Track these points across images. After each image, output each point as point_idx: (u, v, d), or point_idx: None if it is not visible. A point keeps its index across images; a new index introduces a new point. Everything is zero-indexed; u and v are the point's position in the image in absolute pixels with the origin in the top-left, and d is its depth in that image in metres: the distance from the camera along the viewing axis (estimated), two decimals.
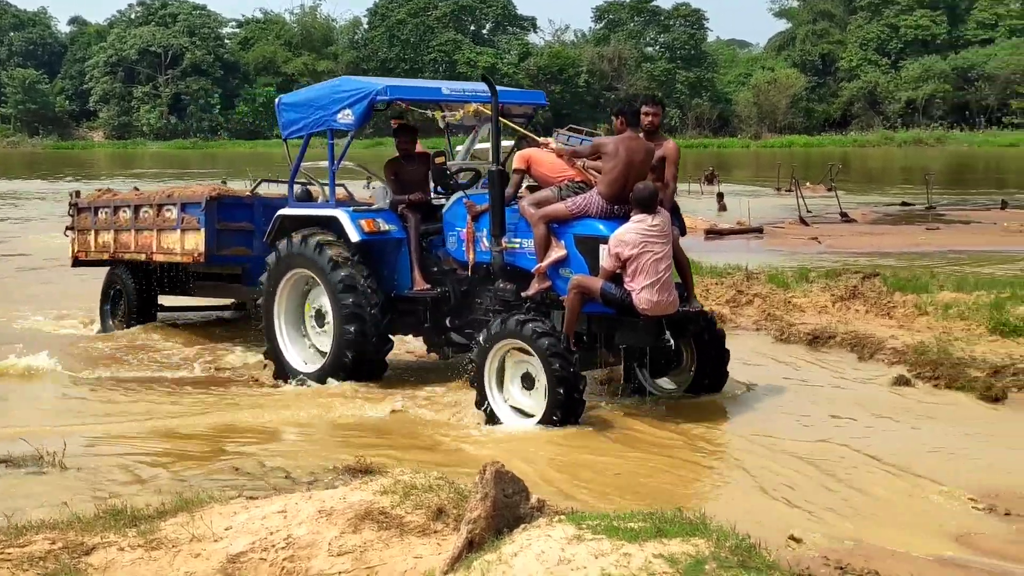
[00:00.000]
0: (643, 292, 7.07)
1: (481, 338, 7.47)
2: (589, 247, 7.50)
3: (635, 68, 74.19)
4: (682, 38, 75.08)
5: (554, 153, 8.08)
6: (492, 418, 7.47)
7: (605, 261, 7.26)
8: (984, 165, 45.79)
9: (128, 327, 11.47)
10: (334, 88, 8.96)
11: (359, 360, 8.45)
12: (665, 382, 8.25)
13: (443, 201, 8.83)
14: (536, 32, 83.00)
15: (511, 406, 7.49)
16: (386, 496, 4.57)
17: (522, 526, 4.08)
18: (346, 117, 8.45)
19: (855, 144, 63.14)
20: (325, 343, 8.77)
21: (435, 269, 8.62)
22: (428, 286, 8.42)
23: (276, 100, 9.52)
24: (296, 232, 8.67)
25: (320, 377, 8.66)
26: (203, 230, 9.95)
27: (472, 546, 3.97)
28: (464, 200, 8.24)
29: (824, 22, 73.60)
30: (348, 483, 5.03)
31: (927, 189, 25.86)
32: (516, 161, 8.27)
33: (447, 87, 9.22)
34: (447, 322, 8.57)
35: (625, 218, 7.38)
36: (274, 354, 9.06)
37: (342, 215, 8.47)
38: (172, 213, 10.40)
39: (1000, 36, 68.24)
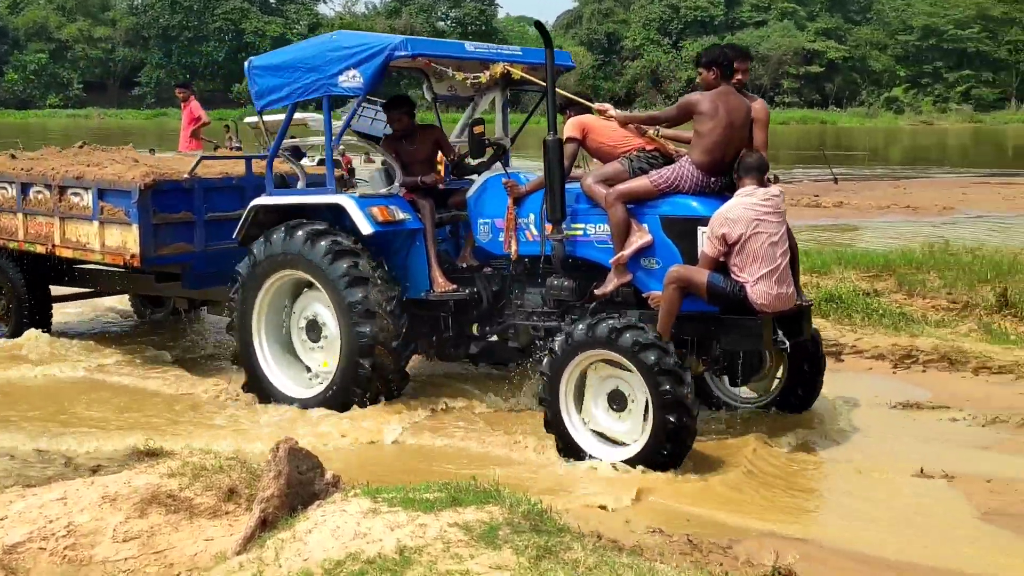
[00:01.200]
0: (759, 284, 5.75)
1: (556, 347, 5.94)
2: (682, 230, 6.07)
3: None
4: (473, 13, 74.66)
5: (614, 120, 6.55)
6: (569, 447, 5.92)
7: (707, 247, 5.84)
8: None
9: (15, 336, 9.07)
10: (330, 45, 7.10)
11: (378, 371, 6.75)
12: (744, 391, 6.93)
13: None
14: (326, 3, 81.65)
15: (592, 430, 5.97)
16: (174, 479, 4.37)
17: (317, 502, 4.02)
18: (352, 80, 6.78)
19: None
20: (320, 360, 7.17)
21: (463, 266, 7.22)
22: (454, 286, 6.91)
23: (246, 64, 7.52)
24: (277, 226, 7.06)
25: (326, 401, 6.91)
26: (136, 226, 7.76)
27: (265, 525, 3.90)
28: (503, 179, 6.77)
29: (609, 2, 74.77)
30: (133, 467, 4.73)
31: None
32: (570, 129, 6.54)
33: (470, 44, 7.49)
34: (473, 329, 7.19)
35: (721, 194, 6.13)
36: (257, 382, 7.26)
37: (348, 202, 6.85)
38: (84, 199, 8.15)
39: (772, 19, 71.69)
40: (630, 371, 5.66)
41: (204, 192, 8.19)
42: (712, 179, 6.08)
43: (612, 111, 6.61)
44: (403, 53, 6.67)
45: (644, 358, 5.51)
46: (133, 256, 7.78)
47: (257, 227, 7.24)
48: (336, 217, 6.95)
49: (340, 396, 6.83)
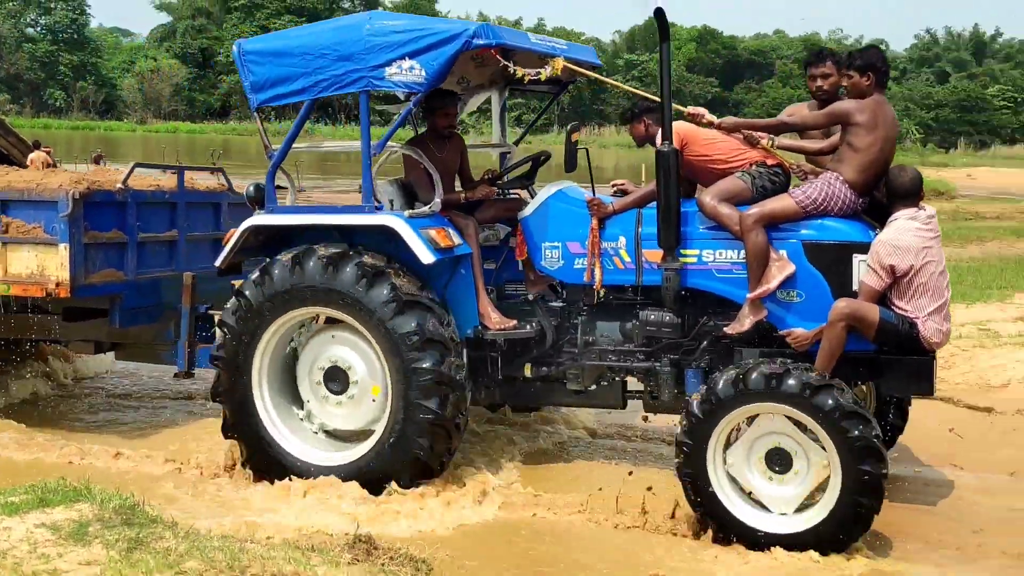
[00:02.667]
0: (930, 319, 5.08)
1: (700, 403, 5.02)
2: (832, 258, 5.27)
3: (16, 48, 68.92)
4: (64, 21, 71.58)
5: (715, 127, 5.68)
6: (723, 524, 5.03)
7: (871, 279, 5.07)
8: (344, 155, 52.52)
9: None
10: (370, 28, 5.60)
11: (433, 454, 5.55)
12: None
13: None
14: None
15: (736, 492, 5.10)
16: None
17: None
18: (407, 73, 5.50)
19: (234, 133, 65.11)
20: (341, 419, 5.91)
21: (530, 296, 6.16)
22: (513, 322, 5.89)
23: (235, 48, 5.99)
24: (287, 252, 5.68)
25: (360, 473, 5.62)
26: (64, 246, 6.23)
27: None
28: (588, 198, 5.80)
29: (202, 18, 74.87)
30: None
31: None
32: (683, 139, 5.58)
33: (533, 36, 6.11)
34: (526, 370, 6.01)
35: (863, 215, 5.44)
36: (257, 445, 5.84)
37: (402, 225, 5.54)
38: None
39: None
40: (794, 430, 4.93)
41: (137, 207, 6.83)
42: (861, 200, 5.33)
43: (708, 116, 5.73)
44: (482, 41, 5.44)
45: (846, 427, 4.71)
46: (59, 285, 6.21)
47: (244, 253, 6.03)
48: (349, 240, 5.73)
49: (377, 470, 5.57)
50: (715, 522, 5.05)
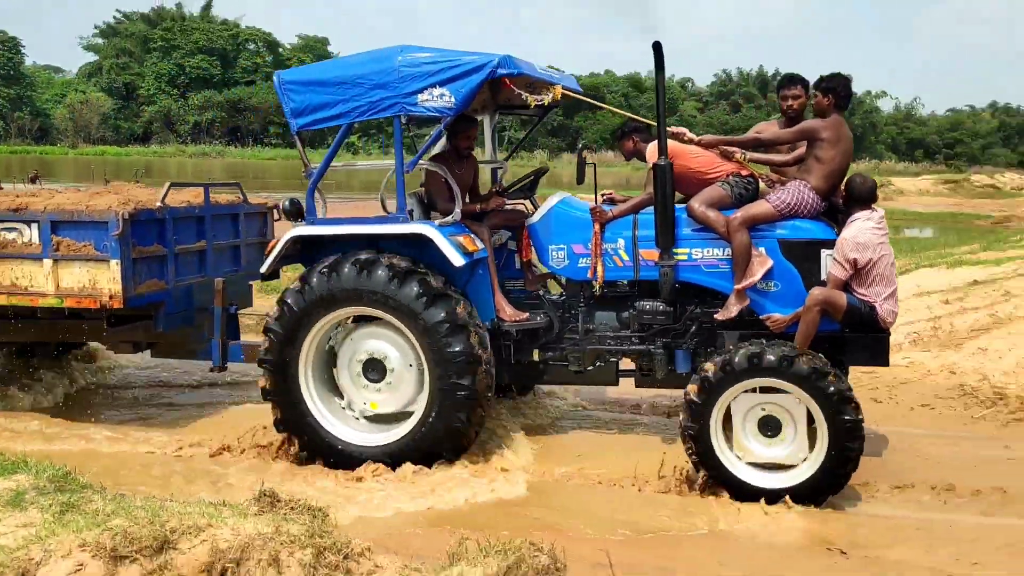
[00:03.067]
0: (887, 303, 5.89)
1: (706, 378, 5.70)
2: (803, 253, 6.05)
3: None
4: (1, 60, 76.08)
5: (696, 144, 6.37)
6: (728, 482, 5.73)
7: (836, 270, 5.83)
8: (252, 173, 51.45)
9: None
10: (403, 60, 6.09)
11: (471, 425, 6.16)
12: None
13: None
14: None
15: (748, 463, 5.77)
16: None
17: None
18: (437, 99, 6.00)
19: (155, 155, 69.32)
20: (381, 403, 6.43)
21: (532, 291, 6.92)
22: (525, 315, 6.62)
23: (275, 79, 6.43)
24: (340, 258, 6.21)
25: (407, 450, 6.20)
26: (115, 262, 6.67)
27: None
28: (592, 206, 6.45)
29: (126, 57, 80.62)
30: None
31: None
32: (653, 154, 6.24)
33: (537, 66, 6.64)
34: (534, 355, 6.69)
35: (824, 216, 6.16)
36: (311, 436, 6.38)
37: (434, 232, 6.13)
38: (28, 235, 6.86)
39: (259, 78, 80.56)
40: (782, 395, 5.61)
41: (175, 223, 7.26)
42: (823, 203, 6.06)
43: (689, 134, 6.34)
44: (506, 71, 5.96)
45: (823, 386, 5.44)
46: (113, 297, 6.63)
47: (285, 260, 6.59)
48: (377, 248, 6.27)
49: (418, 449, 6.16)
50: (718, 477, 5.75)
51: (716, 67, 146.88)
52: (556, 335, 6.69)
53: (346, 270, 6.13)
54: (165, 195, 7.30)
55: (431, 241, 6.13)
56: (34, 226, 6.85)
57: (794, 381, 5.57)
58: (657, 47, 5.98)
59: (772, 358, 5.58)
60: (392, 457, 6.21)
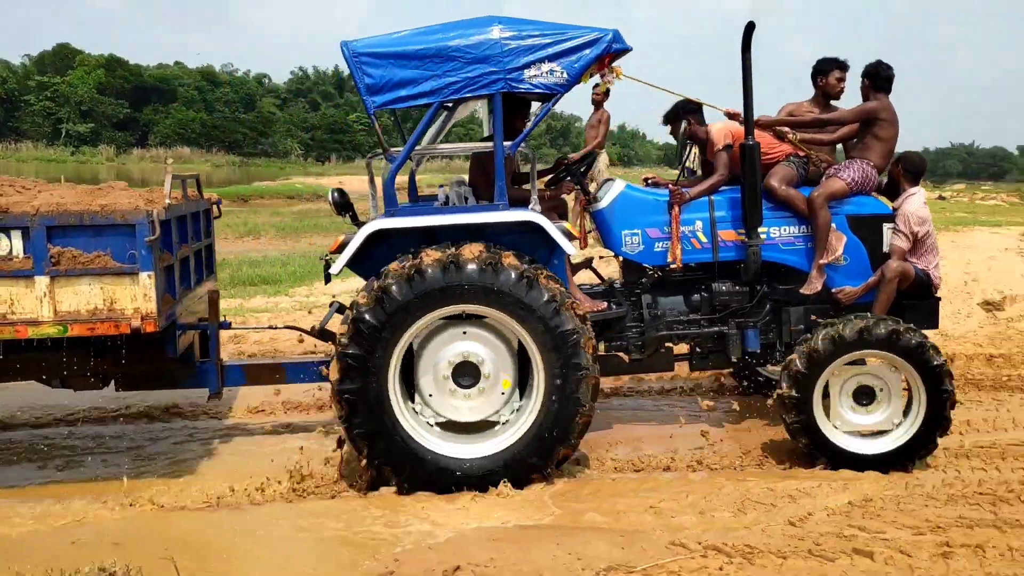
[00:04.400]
0: (935, 270, 6.27)
1: (814, 350, 5.73)
2: (869, 228, 6.25)
3: None
4: None
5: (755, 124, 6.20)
6: (826, 449, 5.81)
7: (901, 242, 6.14)
8: None
9: None
10: (503, 32, 5.51)
11: (582, 433, 5.59)
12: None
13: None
14: None
15: (845, 431, 5.89)
16: None
17: None
18: (547, 75, 5.50)
19: None
20: (467, 411, 5.66)
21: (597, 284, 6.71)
22: (603, 304, 6.31)
23: (344, 49, 5.49)
24: (434, 251, 5.40)
25: (503, 464, 5.50)
26: (147, 275, 5.20)
27: None
28: (672, 188, 6.22)
29: None
30: None
31: None
32: (724, 136, 6.32)
33: None
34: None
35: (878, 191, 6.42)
36: (390, 440, 5.45)
37: (544, 220, 5.57)
38: (7, 246, 5.17)
39: None
40: (893, 371, 5.78)
41: (174, 224, 5.85)
42: (881, 179, 6.37)
43: (739, 117, 6.25)
44: (618, 46, 5.65)
45: (927, 359, 5.66)
46: (146, 318, 5.21)
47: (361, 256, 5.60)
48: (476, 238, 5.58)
49: (547, 443, 5.50)
50: (817, 446, 5.79)
51: (293, 64, 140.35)
52: (625, 324, 6.35)
53: (471, 267, 5.31)
54: (168, 189, 5.67)
55: (535, 230, 5.58)
56: (16, 234, 5.07)
57: (902, 354, 5.69)
58: (749, 27, 5.90)
59: (882, 332, 5.68)
60: (483, 472, 5.46)
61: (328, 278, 5.92)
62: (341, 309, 6.13)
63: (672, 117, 6.66)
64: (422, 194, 7.00)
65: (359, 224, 5.89)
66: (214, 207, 7.13)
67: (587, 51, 5.55)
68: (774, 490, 5.44)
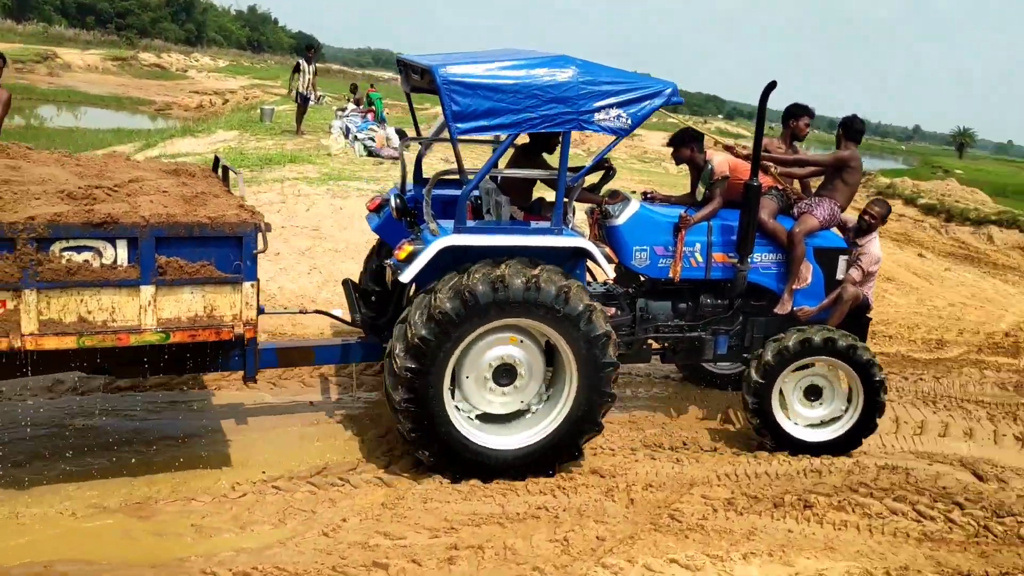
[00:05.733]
0: (871, 295, 7.41)
1: (766, 360, 6.75)
2: (829, 258, 7.18)
3: None
4: None
5: (739, 157, 7.20)
6: (784, 440, 6.88)
7: (857, 274, 7.17)
8: None
9: None
10: (581, 76, 5.81)
11: (603, 419, 6.25)
12: (727, 366, 8.16)
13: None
14: None
15: (796, 423, 6.95)
16: None
17: None
18: (615, 120, 5.91)
19: None
20: (500, 405, 6.13)
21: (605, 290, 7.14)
22: (612, 309, 6.84)
23: (436, 75, 5.52)
24: (485, 266, 5.71)
25: (541, 452, 6.08)
26: (250, 284, 5.18)
27: None
28: (682, 213, 6.86)
29: None
30: None
31: None
32: (724, 167, 7.02)
33: None
34: None
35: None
36: (439, 439, 5.83)
37: (592, 247, 6.08)
38: (111, 255, 4.84)
39: None
40: (836, 372, 6.86)
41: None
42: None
43: (739, 149, 7.36)
44: (677, 100, 6.18)
45: (861, 357, 6.73)
46: (248, 324, 5.25)
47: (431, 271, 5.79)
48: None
49: (578, 428, 6.13)
50: (776, 439, 6.86)
51: None
52: (626, 327, 7.00)
53: (517, 283, 5.75)
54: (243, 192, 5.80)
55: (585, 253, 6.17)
56: (121, 243, 4.89)
57: (838, 356, 6.77)
58: (771, 85, 6.63)
59: (818, 340, 6.72)
60: (521, 460, 6.09)
61: (396, 284, 6.24)
62: (353, 286, 7.19)
63: (679, 142, 7.27)
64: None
65: (412, 228, 6.35)
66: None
67: (650, 101, 6.03)
68: (316, 495, 5.68)
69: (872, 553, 5.46)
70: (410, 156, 7.52)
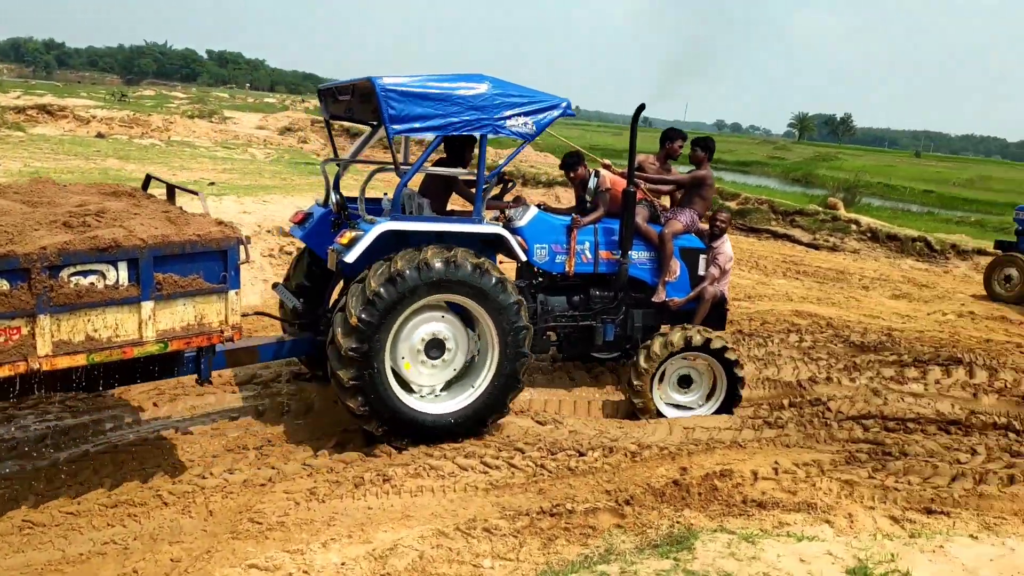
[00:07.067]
0: (727, 291, 8.64)
1: (654, 351, 7.79)
2: (691, 257, 8.44)
3: None
4: None
5: (617, 174, 8.43)
6: (657, 414, 7.92)
7: (716, 271, 8.43)
8: None
9: None
10: (495, 90, 6.89)
11: (524, 375, 7.19)
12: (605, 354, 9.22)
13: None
14: None
15: (667, 403, 8.03)
16: None
17: None
18: (522, 126, 7.01)
19: None
20: (427, 377, 6.98)
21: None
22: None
23: (376, 84, 6.46)
24: (426, 254, 6.60)
25: (474, 412, 6.99)
26: (235, 292, 5.64)
27: None
28: (573, 216, 7.97)
29: None
30: None
31: None
32: (608, 182, 8.17)
33: None
34: None
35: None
36: (385, 411, 6.63)
37: (506, 233, 7.23)
38: (114, 277, 5.18)
39: None
40: (695, 361, 8.00)
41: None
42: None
43: (616, 168, 8.71)
44: (570, 113, 7.34)
45: (727, 356, 7.88)
46: (235, 328, 5.68)
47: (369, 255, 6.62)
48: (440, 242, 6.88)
49: (504, 389, 7.04)
50: (650, 414, 7.92)
51: None
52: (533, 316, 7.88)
53: (437, 264, 6.57)
54: (206, 208, 6.26)
55: (500, 239, 7.20)
56: (122, 265, 5.23)
57: (711, 354, 7.90)
58: (641, 107, 8.01)
59: (699, 339, 7.86)
60: (456, 422, 6.90)
61: (344, 265, 6.59)
62: (282, 287, 7.99)
63: (575, 163, 8.46)
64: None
65: (345, 220, 7.25)
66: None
67: (550, 112, 7.11)
68: None
69: (445, 512, 5.80)
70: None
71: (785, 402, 8.52)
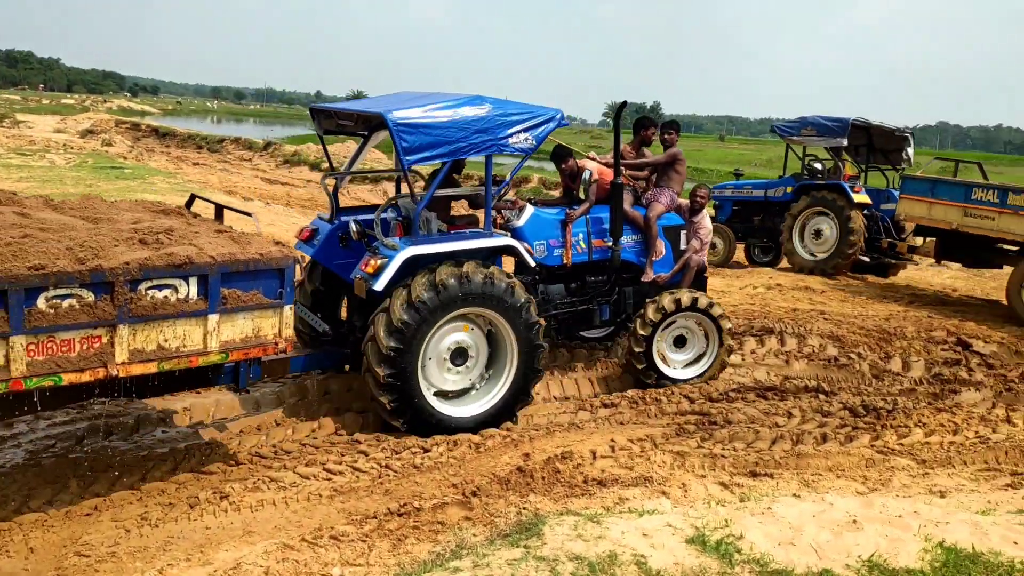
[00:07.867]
0: (705, 260, 9.28)
1: (649, 317, 8.39)
2: (674, 234, 9.12)
3: None
4: None
5: (602, 163, 9.00)
6: (659, 375, 8.52)
7: (698, 244, 9.06)
8: None
9: None
10: (496, 111, 7.30)
11: (534, 388, 7.80)
12: (595, 333, 9.71)
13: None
14: None
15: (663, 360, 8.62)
16: None
17: None
18: (524, 141, 7.41)
19: None
20: (452, 383, 7.44)
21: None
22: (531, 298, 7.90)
23: (388, 120, 6.76)
24: (466, 269, 7.09)
25: (491, 417, 7.46)
26: (289, 307, 5.97)
27: None
28: (567, 211, 8.50)
29: None
30: None
31: None
32: (596, 172, 8.66)
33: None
34: None
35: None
36: (414, 411, 7.10)
37: (518, 243, 7.81)
38: (185, 291, 5.47)
39: None
40: (687, 321, 8.67)
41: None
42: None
43: (599, 157, 9.39)
44: (565, 123, 7.73)
45: (715, 311, 8.65)
46: (288, 340, 6.05)
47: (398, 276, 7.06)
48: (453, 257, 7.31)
49: (515, 397, 7.56)
50: (654, 375, 8.59)
51: None
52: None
53: (479, 278, 7.10)
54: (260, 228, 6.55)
55: (513, 250, 7.78)
56: (193, 280, 5.54)
57: (699, 312, 8.61)
58: (622, 104, 8.52)
59: (687, 300, 8.56)
60: (475, 425, 7.36)
61: (371, 292, 6.97)
62: (307, 310, 8.39)
63: (565, 157, 9.01)
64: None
65: (366, 242, 7.78)
66: None
67: (550, 124, 7.52)
68: None
69: (289, 524, 5.62)
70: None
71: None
